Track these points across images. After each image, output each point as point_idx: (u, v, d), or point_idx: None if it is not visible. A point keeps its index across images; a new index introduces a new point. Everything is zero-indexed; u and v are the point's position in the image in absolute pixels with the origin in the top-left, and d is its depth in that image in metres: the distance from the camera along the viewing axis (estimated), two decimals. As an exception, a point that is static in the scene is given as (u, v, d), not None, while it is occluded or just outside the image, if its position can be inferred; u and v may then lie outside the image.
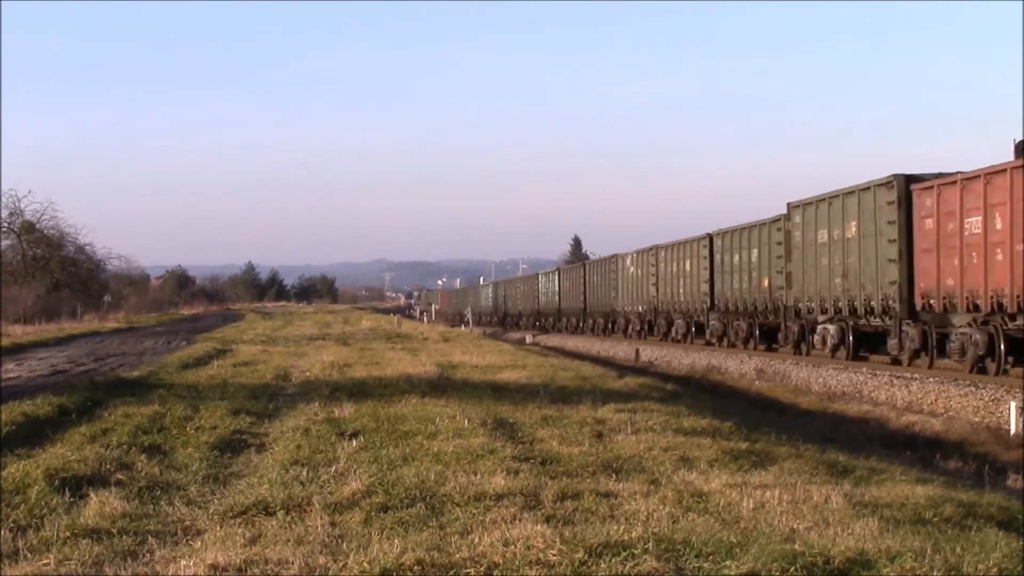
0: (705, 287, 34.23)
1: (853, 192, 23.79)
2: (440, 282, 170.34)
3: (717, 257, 33.41)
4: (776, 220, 28.70)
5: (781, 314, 28.83)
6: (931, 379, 20.14)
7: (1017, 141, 19.29)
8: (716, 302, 33.40)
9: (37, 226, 67.59)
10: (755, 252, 30.39)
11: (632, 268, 42.70)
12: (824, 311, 25.63)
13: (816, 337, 26.36)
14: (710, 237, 34.10)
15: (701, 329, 35.73)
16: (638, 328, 42.20)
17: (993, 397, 17.72)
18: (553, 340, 50.17)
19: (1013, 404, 16.22)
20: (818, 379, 23.58)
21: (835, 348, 25.52)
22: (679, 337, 37.36)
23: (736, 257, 31.83)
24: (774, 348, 30.45)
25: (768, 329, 30.72)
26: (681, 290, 36.78)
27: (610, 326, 47.37)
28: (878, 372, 22.23)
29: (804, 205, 26.54)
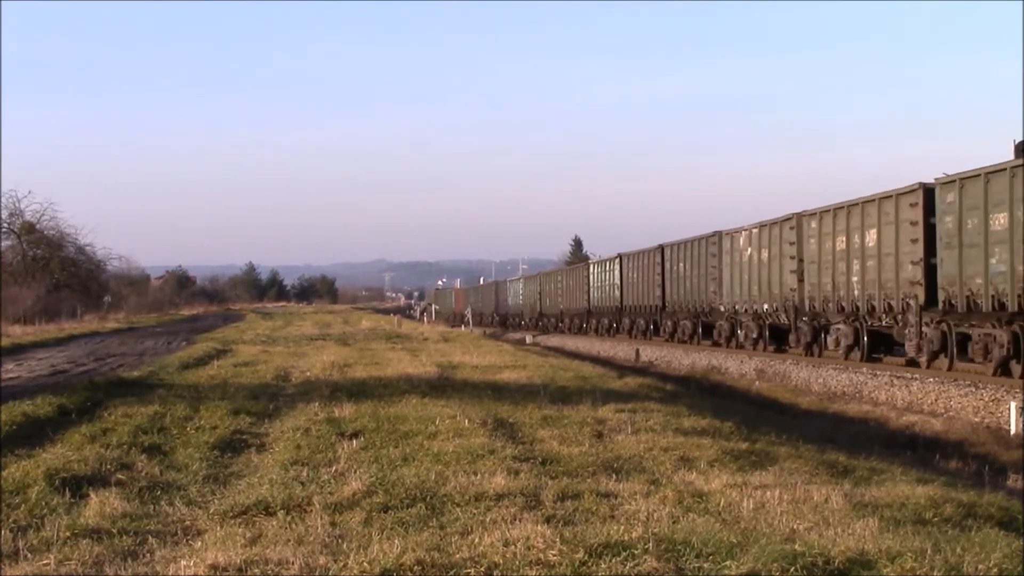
0: (912, 271, 21.42)
1: None
2: (440, 282, 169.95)
3: (946, 220, 20.16)
4: None
5: None
6: (931, 379, 20.15)
7: (1017, 141, 19.29)
8: (939, 295, 20.49)
9: (37, 227, 67.71)
10: None
11: (749, 250, 30.42)
12: None
13: None
14: (924, 188, 21.20)
15: (880, 339, 24.23)
16: (755, 335, 30.43)
17: (993, 397, 17.73)
18: (553, 340, 50.12)
19: (1013, 404, 16.23)
20: (818, 379, 23.58)
21: None
22: (840, 351, 25.23)
23: (999, 218, 18.52)
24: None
25: None
26: (854, 278, 23.94)
27: (699, 331, 35.42)
28: (878, 372, 22.23)
29: None
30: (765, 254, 29.41)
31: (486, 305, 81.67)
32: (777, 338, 29.73)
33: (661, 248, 39.06)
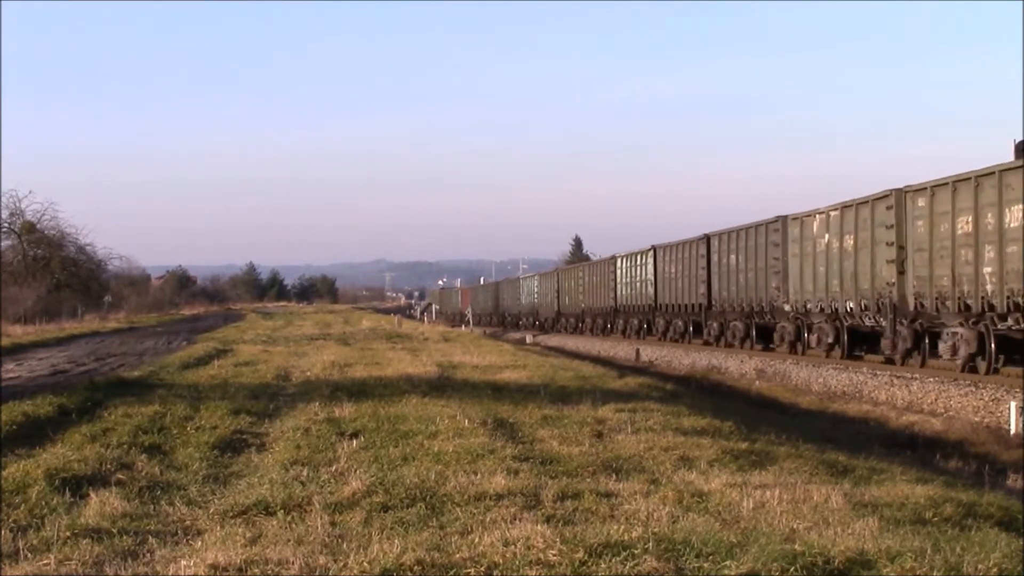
0: None
1: None
2: (440, 282, 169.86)
3: None
4: None
5: None
6: (931, 379, 20.14)
7: (1017, 141, 19.29)
8: None
9: (38, 226, 67.71)
10: None
11: (827, 236, 25.35)
12: None
13: None
14: None
15: (1011, 345, 19.56)
16: (830, 340, 25.80)
17: (993, 397, 17.73)
18: (553, 340, 50.12)
19: (1013, 404, 16.23)
20: (818, 379, 23.57)
21: None
22: (958, 360, 20.17)
23: None
24: None
25: None
26: (987, 269, 18.82)
27: (753, 334, 31.00)
28: (878, 372, 22.23)
29: None
30: (849, 241, 24.17)
31: (495, 305, 77.55)
32: (857, 342, 25.40)
33: (707, 238, 34.27)
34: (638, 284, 42.02)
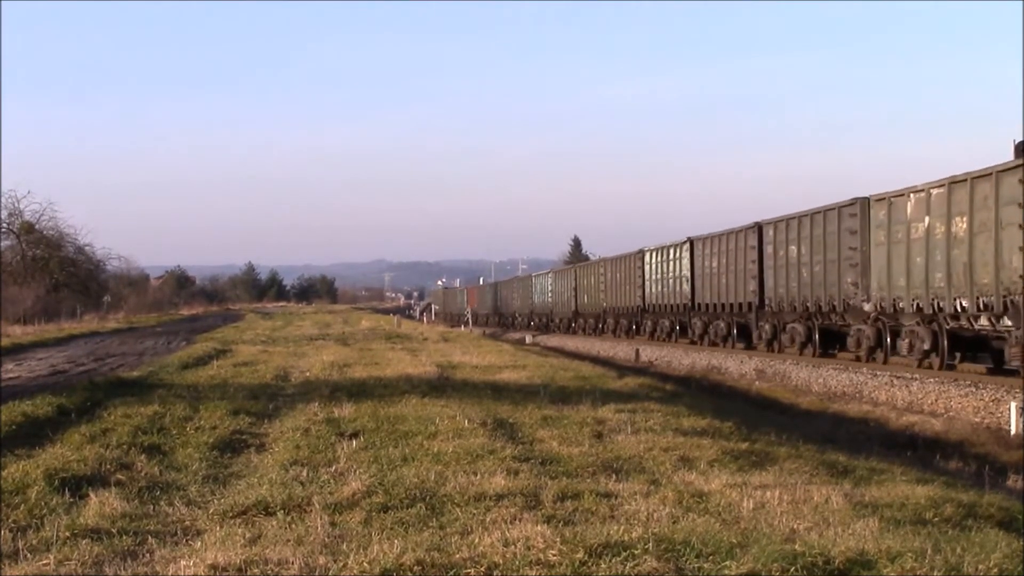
0: None
1: None
2: (440, 282, 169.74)
3: None
4: None
5: None
6: (931, 379, 20.13)
7: (1017, 141, 19.27)
8: None
9: (37, 227, 67.73)
10: None
11: (927, 220, 20.66)
12: None
13: None
14: None
15: None
16: (926, 346, 21.29)
17: (993, 397, 17.73)
18: (553, 341, 50.10)
19: (1013, 404, 16.23)
20: (818, 379, 23.57)
21: None
22: None
23: None
24: None
25: None
26: None
27: (816, 338, 26.79)
28: (878, 372, 22.22)
29: None
30: (961, 224, 19.49)
31: (503, 304, 73.55)
32: (955, 348, 20.99)
33: (758, 227, 29.80)
34: (671, 281, 37.74)
